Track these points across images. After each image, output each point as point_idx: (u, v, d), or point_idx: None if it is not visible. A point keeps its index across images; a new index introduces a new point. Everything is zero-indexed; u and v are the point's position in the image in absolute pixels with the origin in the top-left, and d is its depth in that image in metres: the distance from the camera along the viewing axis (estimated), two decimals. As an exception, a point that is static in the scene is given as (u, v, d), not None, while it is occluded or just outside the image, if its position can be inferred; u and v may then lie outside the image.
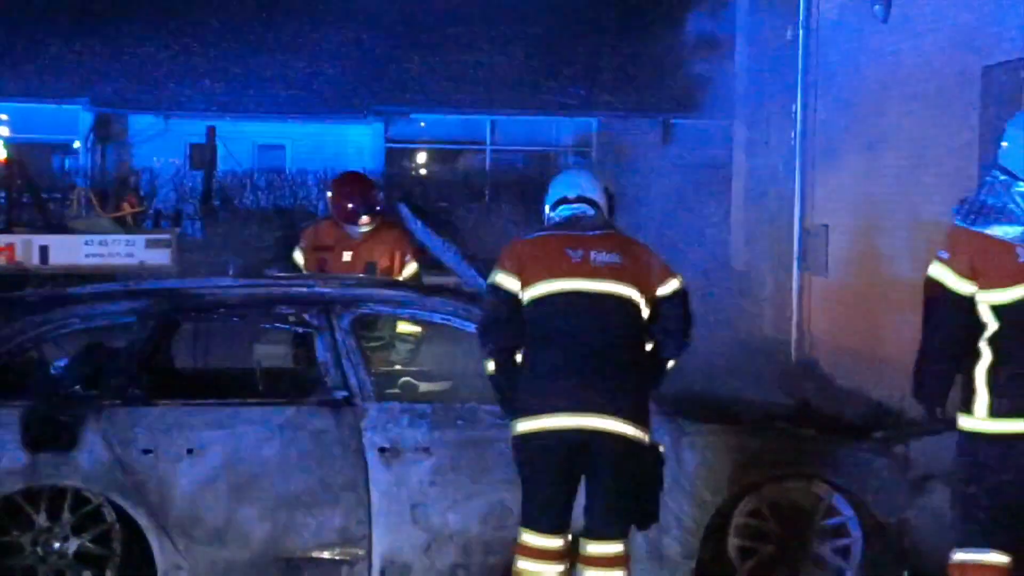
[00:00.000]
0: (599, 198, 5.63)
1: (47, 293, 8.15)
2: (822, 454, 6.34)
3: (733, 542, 6.31)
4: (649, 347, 5.48)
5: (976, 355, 5.02)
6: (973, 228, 5.00)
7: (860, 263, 12.48)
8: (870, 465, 6.30)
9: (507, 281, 5.42)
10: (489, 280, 5.55)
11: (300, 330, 6.62)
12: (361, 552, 6.11)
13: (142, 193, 22.44)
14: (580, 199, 5.60)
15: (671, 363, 5.51)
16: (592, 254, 5.39)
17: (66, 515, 6.02)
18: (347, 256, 8.00)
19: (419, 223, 6.90)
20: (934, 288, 5.05)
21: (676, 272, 5.54)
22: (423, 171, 27.27)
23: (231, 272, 7.85)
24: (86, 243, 15.80)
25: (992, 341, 4.99)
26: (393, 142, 26.88)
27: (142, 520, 6.00)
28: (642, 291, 5.38)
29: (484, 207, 23.40)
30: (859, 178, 12.56)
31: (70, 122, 26.04)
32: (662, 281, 5.44)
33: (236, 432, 6.10)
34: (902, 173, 11.35)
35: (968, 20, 10.45)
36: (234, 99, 26.35)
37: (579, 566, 5.39)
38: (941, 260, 5.04)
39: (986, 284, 4.98)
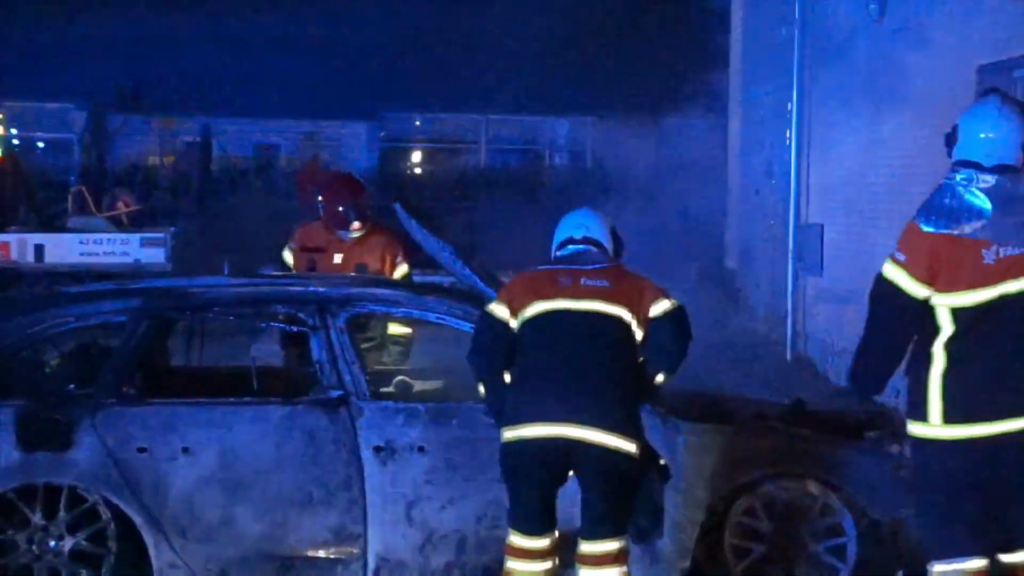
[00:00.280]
0: (605, 240, 5.76)
1: (42, 292, 8.14)
2: (816, 453, 6.34)
3: (728, 541, 6.32)
4: (642, 362, 5.58)
5: (928, 360, 4.87)
6: (937, 230, 4.85)
7: (854, 262, 12.49)
8: (865, 464, 6.31)
9: (497, 309, 5.62)
10: (482, 309, 5.77)
11: (295, 329, 6.62)
12: (356, 551, 6.12)
13: (136, 192, 22.40)
14: (586, 240, 5.72)
15: (661, 378, 5.60)
16: (582, 280, 5.56)
17: (61, 514, 6.02)
18: (338, 258, 7.99)
19: (414, 222, 6.89)
20: (884, 287, 4.93)
21: (670, 295, 5.65)
22: (418, 170, 27.29)
23: (226, 271, 7.85)
24: (81, 242, 15.79)
25: (947, 345, 4.85)
26: (388, 141, 26.89)
27: (137, 518, 6.01)
28: (633, 312, 5.52)
29: (479, 206, 23.41)
30: (854, 177, 12.58)
31: (65, 121, 26.02)
32: (654, 301, 5.56)
33: (231, 431, 6.10)
34: (896, 172, 11.36)
35: (962, 19, 10.47)
36: (229, 98, 26.35)
37: (576, 564, 5.49)
38: (897, 262, 4.91)
39: (947, 287, 4.84)
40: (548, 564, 5.49)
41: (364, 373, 6.29)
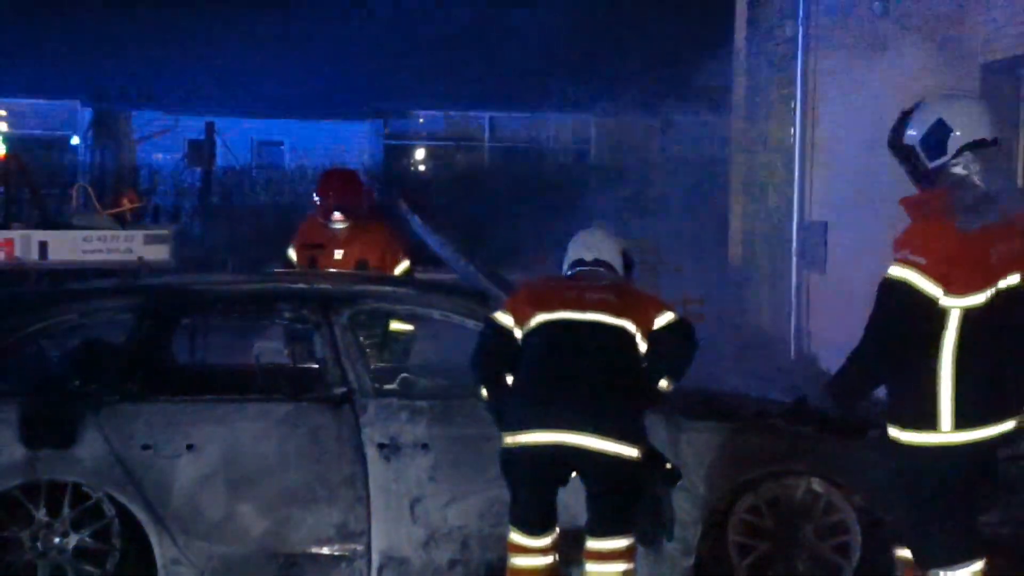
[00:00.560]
0: (616, 262, 5.86)
1: (46, 289, 8.15)
2: (820, 451, 6.34)
3: (731, 539, 6.32)
4: (646, 369, 5.65)
5: (934, 366, 4.74)
6: (959, 228, 4.73)
7: (859, 260, 12.47)
8: (868, 462, 6.30)
9: (502, 317, 5.71)
10: (487, 316, 5.85)
11: (299, 326, 6.63)
12: (360, 548, 6.12)
13: (141, 189, 22.43)
14: (597, 262, 5.83)
15: (664, 383, 5.65)
16: (588, 293, 5.66)
17: (66, 510, 6.03)
18: (339, 254, 8.02)
19: (417, 219, 6.90)
20: (898, 290, 4.73)
21: (675, 309, 5.75)
22: (422, 168, 27.29)
23: (230, 268, 7.86)
24: (85, 239, 15.79)
25: (956, 349, 4.73)
26: (392, 139, 26.90)
27: (141, 515, 6.02)
28: (638, 324, 5.60)
29: (482, 204, 23.41)
30: (858, 175, 12.56)
31: (69, 118, 26.04)
32: (658, 314, 5.65)
33: (235, 428, 6.11)
34: (901, 170, 11.33)
35: (966, 18, 10.46)
36: (233, 95, 26.35)
37: (583, 559, 5.56)
38: (915, 264, 4.72)
39: (961, 289, 4.71)
40: (549, 559, 5.58)
41: (368, 370, 6.30)
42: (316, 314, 6.37)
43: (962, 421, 4.77)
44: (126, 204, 18.03)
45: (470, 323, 6.34)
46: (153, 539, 6.03)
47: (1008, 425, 4.84)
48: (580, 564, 5.61)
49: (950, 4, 10.81)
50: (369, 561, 6.13)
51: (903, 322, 4.77)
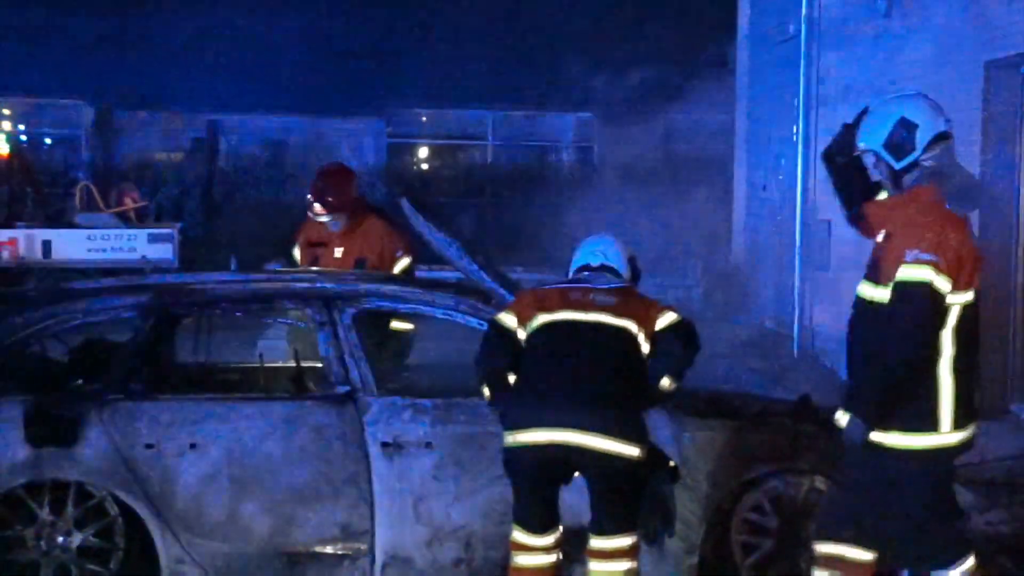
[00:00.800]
0: (622, 268, 5.90)
1: (49, 288, 8.15)
2: (823, 449, 6.33)
3: (735, 537, 6.32)
4: (648, 367, 5.66)
5: (935, 366, 4.70)
6: (959, 216, 4.70)
7: (862, 259, 12.47)
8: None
9: (506, 319, 5.75)
10: (491, 318, 5.90)
11: (302, 325, 6.62)
12: (363, 547, 6.12)
13: (144, 188, 22.42)
14: (603, 268, 5.87)
15: (667, 382, 5.64)
16: (591, 295, 5.70)
17: (69, 509, 6.02)
18: (339, 252, 8.02)
19: (421, 217, 6.89)
20: (919, 295, 4.65)
21: (678, 311, 5.77)
22: (424, 166, 27.28)
23: (233, 267, 7.86)
24: (88, 238, 15.80)
25: (954, 347, 4.71)
26: (394, 137, 26.89)
27: (145, 514, 6.02)
28: (640, 324, 5.63)
29: (485, 202, 23.42)
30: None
31: (72, 117, 26.04)
32: (660, 314, 5.68)
33: (238, 426, 6.11)
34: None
35: (969, 15, 10.45)
36: (236, 94, 26.35)
37: (586, 557, 5.58)
38: (930, 263, 4.65)
39: (964, 285, 4.69)
40: (552, 557, 5.62)
41: (371, 369, 6.30)
42: (319, 313, 6.37)
43: (959, 421, 4.77)
44: (129, 203, 18.03)
45: (473, 321, 6.35)
46: (157, 538, 6.02)
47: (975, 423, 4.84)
48: (584, 562, 5.62)
49: (954, 2, 10.81)
50: (372, 560, 6.12)
51: (929, 326, 4.67)
